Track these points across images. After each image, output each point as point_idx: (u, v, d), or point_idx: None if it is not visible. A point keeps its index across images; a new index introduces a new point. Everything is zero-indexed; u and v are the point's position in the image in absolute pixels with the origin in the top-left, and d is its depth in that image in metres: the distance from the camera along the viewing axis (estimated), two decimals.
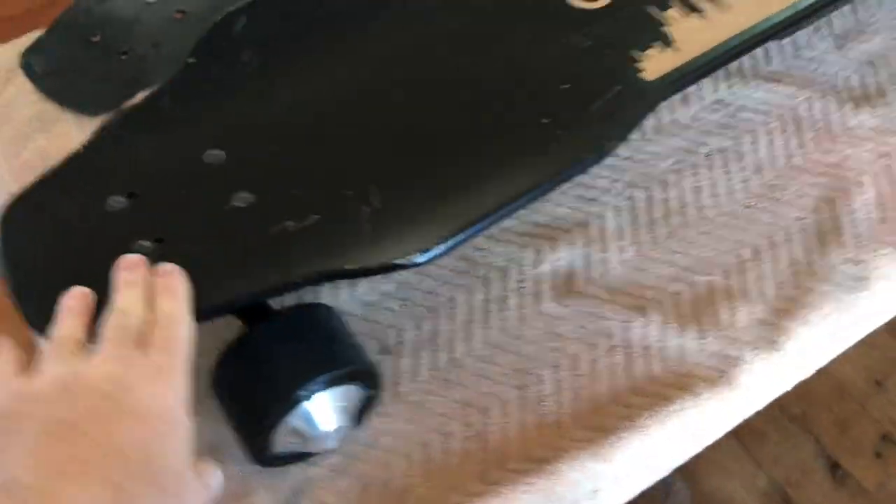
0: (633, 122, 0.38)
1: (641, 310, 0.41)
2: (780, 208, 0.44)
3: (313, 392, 0.33)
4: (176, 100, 0.38)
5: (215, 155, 0.36)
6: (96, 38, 0.53)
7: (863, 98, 0.48)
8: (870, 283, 0.42)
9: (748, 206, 0.45)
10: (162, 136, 0.37)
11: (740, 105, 0.48)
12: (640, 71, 0.39)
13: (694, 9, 0.41)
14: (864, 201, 0.44)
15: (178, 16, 0.52)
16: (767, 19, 0.40)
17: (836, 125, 0.47)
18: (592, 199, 0.45)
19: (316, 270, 0.33)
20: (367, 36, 0.39)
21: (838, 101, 0.48)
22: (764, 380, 0.40)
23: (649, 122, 0.48)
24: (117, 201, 0.35)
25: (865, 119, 0.47)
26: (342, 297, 0.42)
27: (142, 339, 0.31)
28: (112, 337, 0.31)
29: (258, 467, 0.37)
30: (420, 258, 0.33)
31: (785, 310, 0.41)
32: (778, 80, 0.49)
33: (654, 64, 0.39)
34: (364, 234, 0.34)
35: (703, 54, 0.39)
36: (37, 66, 0.52)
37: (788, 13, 0.40)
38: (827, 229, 0.44)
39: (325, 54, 0.39)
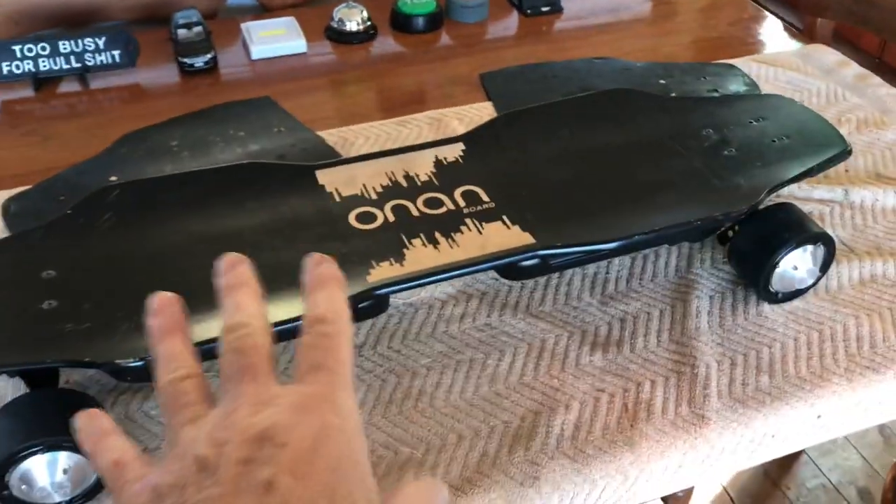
0: None
1: None
2: (495, 410, 0.54)
3: (31, 454, 0.45)
4: (45, 233, 0.53)
5: (49, 273, 0.51)
6: (63, 198, 0.71)
7: (602, 344, 0.59)
8: (539, 483, 0.50)
9: (471, 405, 0.55)
10: (21, 254, 0.52)
11: (503, 330, 0.60)
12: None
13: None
14: (564, 420, 0.54)
15: None
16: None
17: (571, 360, 0.58)
18: (355, 376, 0.56)
19: (65, 358, 0.46)
20: (190, 215, 0.55)
21: (580, 343, 0.59)
22: None
23: (425, 329, 0.60)
24: None
25: (597, 359, 0.58)
26: (133, 405, 0.54)
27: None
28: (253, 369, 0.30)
29: None
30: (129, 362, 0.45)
31: (458, 487, 0.50)
32: (541, 318, 0.61)
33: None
34: (113, 342, 0.47)
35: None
36: (13, 208, 0.70)
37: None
38: (523, 434, 0.53)
39: (160, 224, 0.54)
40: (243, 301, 0.34)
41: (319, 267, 0.35)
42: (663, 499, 1.19)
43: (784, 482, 1.27)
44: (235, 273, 0.35)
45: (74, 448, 0.46)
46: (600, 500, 0.52)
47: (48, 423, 0.46)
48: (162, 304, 0.34)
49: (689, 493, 1.16)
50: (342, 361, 0.32)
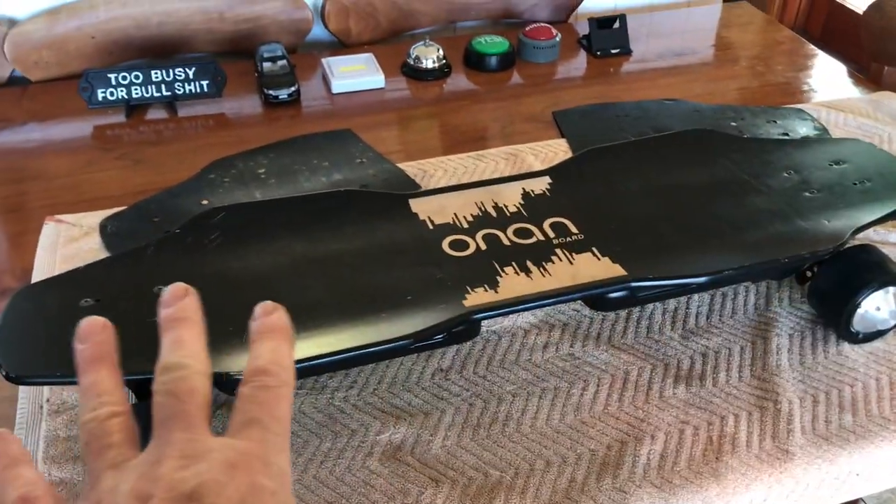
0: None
1: (438, 483, 0.52)
2: (581, 438, 0.55)
3: None
4: (155, 251, 0.56)
5: (160, 288, 0.53)
6: (157, 219, 0.74)
7: (685, 378, 0.60)
8: None
9: (558, 432, 0.56)
10: (135, 269, 0.55)
11: (586, 360, 0.61)
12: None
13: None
14: (650, 451, 0.55)
15: None
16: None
17: (654, 392, 0.59)
18: (442, 398, 0.58)
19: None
20: (292, 237, 0.57)
21: (664, 375, 0.60)
22: None
23: (509, 356, 0.61)
24: (86, 301, 0.52)
25: (680, 392, 0.59)
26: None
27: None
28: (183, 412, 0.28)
29: None
30: None
31: None
32: (624, 350, 0.62)
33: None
34: (226, 355, 0.49)
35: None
36: (109, 228, 0.73)
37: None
38: (610, 462, 0.54)
39: (265, 245, 0.57)
40: (185, 338, 0.31)
41: (269, 316, 0.33)
42: None
43: None
44: (180, 306, 0.32)
45: None
46: None
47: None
48: (89, 331, 0.31)
49: None
50: (279, 418, 0.30)
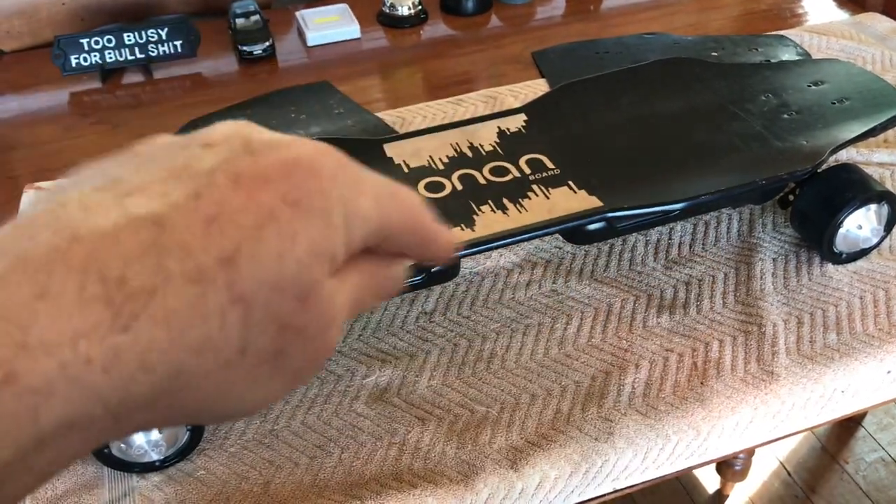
0: None
1: (424, 421, 0.53)
2: (566, 371, 0.56)
3: None
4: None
5: None
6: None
7: (668, 307, 0.60)
8: (613, 438, 0.52)
9: (542, 366, 0.56)
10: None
11: (569, 295, 0.61)
12: None
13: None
14: (635, 379, 0.55)
15: None
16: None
17: (638, 322, 0.59)
18: (427, 340, 0.58)
19: None
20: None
21: (647, 306, 0.60)
22: (498, 491, 0.49)
23: (493, 296, 0.61)
24: None
25: (664, 321, 0.59)
26: None
27: None
28: None
29: (105, 468, 0.50)
30: None
31: (535, 443, 0.51)
32: (606, 283, 0.62)
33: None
34: None
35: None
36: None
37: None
38: (595, 392, 0.54)
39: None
40: None
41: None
42: (719, 472, 1.19)
43: (842, 456, 1.26)
44: None
45: None
46: (673, 454, 0.53)
47: None
48: None
49: (746, 466, 1.16)
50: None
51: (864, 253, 0.62)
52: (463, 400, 0.54)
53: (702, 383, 0.54)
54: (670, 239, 0.65)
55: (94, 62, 0.87)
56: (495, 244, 0.53)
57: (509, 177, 0.58)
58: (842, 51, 0.87)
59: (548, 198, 0.56)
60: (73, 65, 0.87)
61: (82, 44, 0.86)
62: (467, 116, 0.79)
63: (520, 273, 0.63)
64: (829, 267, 0.62)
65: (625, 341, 0.57)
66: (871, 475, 1.23)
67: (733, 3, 1.04)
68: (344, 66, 0.91)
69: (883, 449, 1.26)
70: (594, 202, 0.55)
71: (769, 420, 0.54)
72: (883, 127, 0.62)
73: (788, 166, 0.58)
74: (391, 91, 0.88)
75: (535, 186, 0.57)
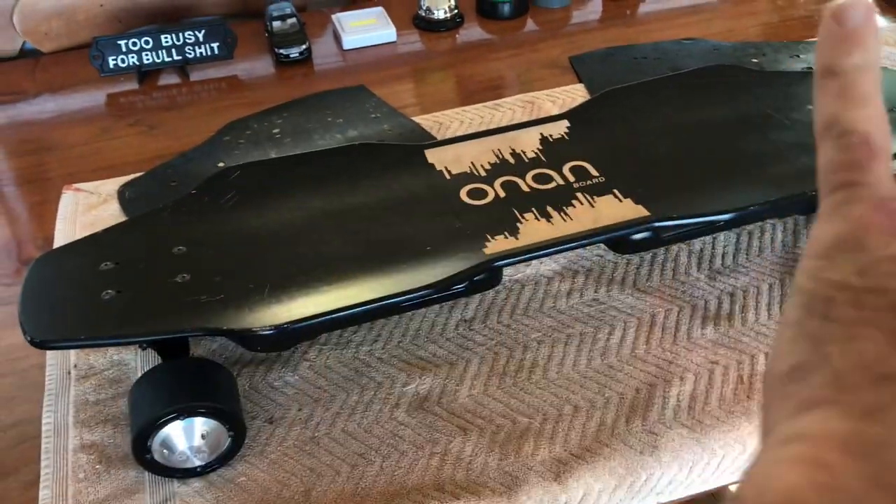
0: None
1: (466, 431, 0.52)
2: (609, 382, 0.55)
3: (179, 417, 0.47)
4: (172, 212, 0.56)
5: (180, 249, 0.53)
6: (174, 183, 0.74)
7: (713, 318, 0.59)
8: (658, 452, 0.51)
9: (585, 377, 0.55)
10: (151, 232, 0.54)
11: (611, 305, 0.60)
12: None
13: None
14: (680, 392, 0.54)
15: None
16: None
17: (682, 333, 0.58)
18: (467, 348, 0.58)
19: (203, 327, 0.48)
20: (308, 193, 0.57)
21: (691, 316, 0.59)
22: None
23: (533, 304, 0.60)
24: (106, 265, 0.52)
25: (708, 333, 0.58)
26: (257, 376, 0.56)
27: None
28: None
29: (147, 473, 0.50)
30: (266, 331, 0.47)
31: (579, 455, 0.51)
32: (649, 293, 0.61)
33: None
34: (247, 312, 0.48)
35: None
36: (127, 194, 0.73)
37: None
38: (639, 405, 0.53)
39: (281, 202, 0.56)
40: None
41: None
42: None
43: None
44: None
45: (210, 414, 0.48)
46: (719, 469, 0.52)
47: (185, 390, 0.48)
48: None
49: None
50: None
51: None
52: (504, 410, 0.53)
53: (748, 397, 0.53)
54: (713, 249, 0.64)
55: (131, 63, 0.87)
56: (540, 253, 0.53)
57: (553, 184, 0.57)
58: (886, 58, 0.86)
59: (593, 206, 0.55)
60: (111, 66, 0.87)
61: (120, 45, 0.87)
62: (505, 121, 0.79)
63: (560, 281, 0.62)
64: None
65: (669, 353, 0.56)
66: None
67: (771, 9, 1.02)
68: (380, 70, 0.90)
69: None
70: (641, 211, 0.54)
71: None
72: None
73: None
74: (427, 95, 0.88)
75: (579, 194, 0.56)
